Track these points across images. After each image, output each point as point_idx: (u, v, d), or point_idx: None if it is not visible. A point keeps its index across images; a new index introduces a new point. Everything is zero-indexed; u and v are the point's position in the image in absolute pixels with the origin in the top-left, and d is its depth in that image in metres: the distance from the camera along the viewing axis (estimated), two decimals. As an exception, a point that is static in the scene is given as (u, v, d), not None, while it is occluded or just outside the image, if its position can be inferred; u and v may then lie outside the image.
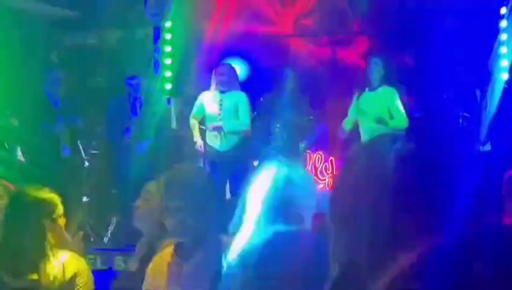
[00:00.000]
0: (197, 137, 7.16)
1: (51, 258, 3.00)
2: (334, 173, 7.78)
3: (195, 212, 2.65)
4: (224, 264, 2.53)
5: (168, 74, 8.29)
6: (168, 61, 8.31)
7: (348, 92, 7.08)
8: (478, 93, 6.12)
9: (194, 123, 7.23)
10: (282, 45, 9.48)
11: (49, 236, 3.02)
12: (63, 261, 3.03)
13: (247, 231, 2.36)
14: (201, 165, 7.14)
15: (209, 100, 7.09)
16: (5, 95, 7.34)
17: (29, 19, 8.78)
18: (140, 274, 2.94)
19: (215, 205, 2.75)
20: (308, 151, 7.87)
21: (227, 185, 7.02)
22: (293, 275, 2.09)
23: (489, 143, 6.06)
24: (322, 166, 8.10)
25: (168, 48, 8.36)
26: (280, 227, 2.31)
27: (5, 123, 7.44)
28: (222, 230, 2.68)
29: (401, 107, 6.77)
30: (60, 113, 7.54)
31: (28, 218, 3.02)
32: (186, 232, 2.67)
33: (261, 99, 7.55)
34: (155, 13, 8.28)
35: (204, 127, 7.28)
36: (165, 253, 2.78)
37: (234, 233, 2.52)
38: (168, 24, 8.40)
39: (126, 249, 6.19)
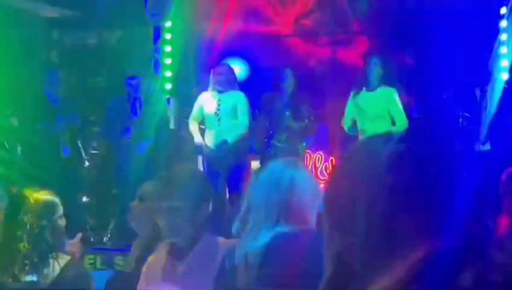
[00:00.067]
0: (198, 139, 7.15)
1: (50, 260, 2.99)
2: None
3: (189, 212, 2.64)
4: (226, 265, 2.52)
5: (168, 74, 8.29)
6: (168, 61, 8.31)
7: (348, 92, 7.07)
8: (478, 93, 6.12)
9: (194, 125, 7.22)
10: (282, 45, 9.48)
11: (49, 238, 3.01)
12: (62, 264, 3.02)
13: (250, 232, 2.35)
14: (200, 165, 7.14)
15: (208, 101, 7.09)
16: (5, 95, 7.34)
17: (29, 19, 8.77)
18: (135, 275, 2.94)
19: (210, 205, 2.75)
20: (308, 151, 7.87)
21: (226, 186, 7.02)
22: (295, 275, 2.08)
23: (488, 143, 6.06)
24: (322, 166, 8.11)
25: (168, 48, 8.36)
26: (283, 228, 2.30)
27: (5, 123, 7.44)
28: (219, 229, 2.67)
29: (401, 108, 6.77)
30: (60, 113, 7.54)
31: (28, 220, 3.01)
32: (180, 232, 2.67)
33: (261, 99, 7.55)
34: (155, 13, 8.28)
35: (203, 127, 7.27)
36: (160, 253, 2.78)
37: (236, 234, 2.51)
38: (168, 24, 8.40)
39: (126, 249, 6.19)
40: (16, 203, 3.11)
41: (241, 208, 2.51)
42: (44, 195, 3.10)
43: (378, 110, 6.67)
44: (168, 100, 8.18)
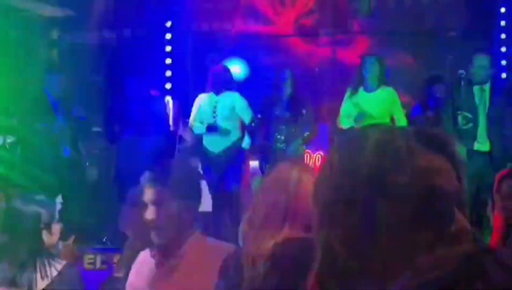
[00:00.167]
0: (193, 140, 7.16)
1: (46, 266, 2.98)
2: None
3: (177, 211, 2.64)
4: (229, 269, 2.49)
5: (168, 74, 8.30)
6: (168, 61, 8.32)
7: (348, 92, 7.07)
8: (477, 92, 6.11)
9: (196, 126, 7.22)
10: (282, 45, 9.49)
11: (44, 243, 3.01)
12: (59, 268, 3.01)
13: (257, 235, 2.32)
14: (194, 165, 7.13)
15: (205, 102, 7.09)
16: (5, 95, 7.34)
17: (29, 19, 8.78)
18: (127, 276, 2.94)
19: (198, 204, 2.74)
20: (308, 151, 7.87)
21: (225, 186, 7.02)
22: (300, 283, 2.06)
23: (487, 142, 6.05)
24: (322, 166, 8.10)
25: (168, 48, 8.37)
26: (290, 232, 2.27)
27: (5, 122, 7.44)
28: (217, 229, 2.67)
29: (401, 108, 6.78)
30: (60, 112, 7.54)
31: (24, 225, 3.01)
32: (169, 232, 2.66)
33: (261, 99, 7.55)
34: (155, 13, 8.29)
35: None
36: (148, 254, 2.78)
37: (243, 236, 2.49)
38: (168, 24, 8.41)
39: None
40: (13, 210, 3.10)
41: (248, 210, 2.49)
42: (40, 201, 3.09)
43: (380, 110, 6.67)
44: (168, 100, 8.19)
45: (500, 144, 5.99)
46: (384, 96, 6.72)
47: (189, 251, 2.66)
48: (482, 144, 6.03)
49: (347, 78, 7.58)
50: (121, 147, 7.60)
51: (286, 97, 7.06)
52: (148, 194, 2.67)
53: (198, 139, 7.20)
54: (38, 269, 2.94)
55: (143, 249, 2.86)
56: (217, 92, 7.03)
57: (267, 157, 6.94)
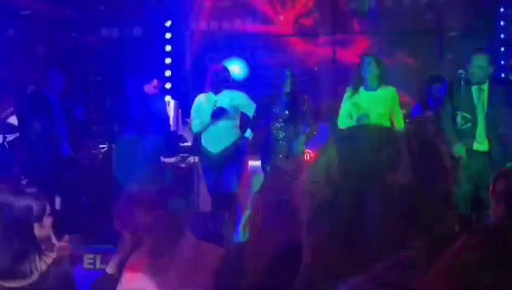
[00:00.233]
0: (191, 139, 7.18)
1: (36, 260, 2.98)
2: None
3: (167, 214, 2.65)
4: (224, 270, 2.50)
5: (168, 73, 8.31)
6: (168, 60, 8.33)
7: (347, 92, 7.07)
8: (475, 92, 6.11)
9: (197, 126, 7.22)
10: (282, 45, 9.49)
11: (36, 237, 3.01)
12: (48, 263, 3.02)
13: (255, 236, 2.33)
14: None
15: (204, 102, 7.10)
16: (4, 95, 7.35)
17: (29, 19, 8.79)
18: (119, 275, 2.94)
19: (190, 204, 2.77)
20: (308, 150, 7.88)
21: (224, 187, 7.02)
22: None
23: (486, 142, 6.05)
24: (321, 166, 8.10)
25: (168, 48, 8.38)
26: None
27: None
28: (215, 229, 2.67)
29: (399, 108, 6.79)
30: (60, 112, 7.54)
31: (17, 222, 3.01)
32: (161, 231, 2.67)
33: (261, 99, 7.56)
34: (155, 13, 8.30)
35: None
36: (140, 253, 2.79)
37: (243, 236, 2.49)
38: (168, 23, 8.42)
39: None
40: (4, 207, 3.10)
41: (248, 210, 2.50)
42: (32, 196, 3.09)
43: (382, 109, 6.68)
44: (168, 99, 8.19)
45: (499, 143, 5.99)
46: (385, 95, 6.72)
47: (181, 252, 2.67)
48: (481, 144, 6.04)
49: (346, 78, 7.59)
50: (121, 147, 7.60)
51: (285, 97, 7.06)
52: (141, 194, 2.69)
53: (198, 139, 7.21)
54: (29, 263, 2.94)
55: (136, 248, 2.86)
56: (216, 92, 7.04)
57: (267, 157, 6.94)
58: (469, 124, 6.04)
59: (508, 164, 5.74)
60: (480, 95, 6.06)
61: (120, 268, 2.98)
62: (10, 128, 7.84)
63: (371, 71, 6.71)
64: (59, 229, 3.22)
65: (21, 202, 3.04)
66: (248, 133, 7.11)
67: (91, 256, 6.38)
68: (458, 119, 6.06)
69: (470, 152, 6.03)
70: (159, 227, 2.65)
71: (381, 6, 9.27)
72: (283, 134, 6.98)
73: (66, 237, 3.32)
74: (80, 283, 3.38)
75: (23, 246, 2.97)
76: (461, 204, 5.82)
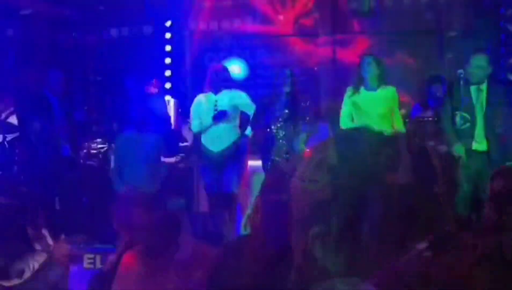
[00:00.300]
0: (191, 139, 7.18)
1: (29, 259, 2.98)
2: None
3: (164, 214, 2.66)
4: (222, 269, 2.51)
5: (168, 73, 8.31)
6: (168, 60, 8.34)
7: (347, 92, 7.07)
8: (474, 92, 6.12)
9: (197, 126, 7.23)
10: (282, 45, 9.49)
11: (31, 240, 3.02)
12: (41, 261, 3.02)
13: (256, 236, 2.33)
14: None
15: (204, 102, 7.10)
16: (5, 95, 7.36)
17: (29, 19, 8.79)
18: (114, 272, 2.95)
19: (186, 204, 2.78)
20: (308, 150, 7.87)
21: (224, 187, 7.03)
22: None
23: (485, 142, 6.07)
24: (321, 166, 8.10)
25: (168, 48, 8.38)
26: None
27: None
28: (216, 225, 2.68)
29: (398, 108, 6.80)
30: (60, 112, 7.55)
31: (12, 225, 3.01)
32: (157, 231, 2.68)
33: (261, 99, 7.57)
34: (155, 12, 8.31)
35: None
36: (134, 255, 2.79)
37: (244, 233, 2.51)
38: (168, 23, 8.42)
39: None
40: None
41: (249, 207, 2.51)
42: (26, 201, 3.09)
43: (383, 109, 6.68)
44: (168, 99, 8.20)
45: (498, 143, 6.01)
46: (385, 95, 6.73)
47: (177, 252, 2.68)
48: (480, 144, 6.05)
49: (346, 78, 7.59)
50: (120, 147, 7.60)
51: (285, 97, 7.06)
52: (140, 196, 2.70)
53: (198, 138, 7.21)
54: (22, 262, 2.94)
55: (133, 248, 2.87)
56: (216, 91, 7.05)
57: (267, 157, 6.94)
58: (468, 124, 6.05)
59: (507, 164, 5.75)
60: (478, 95, 6.07)
61: (116, 266, 2.99)
62: (10, 128, 7.84)
63: (371, 71, 6.71)
64: (58, 229, 3.23)
65: (14, 202, 3.04)
66: (248, 131, 7.11)
67: (91, 256, 6.39)
68: (457, 119, 6.07)
69: (469, 152, 6.04)
70: (156, 227, 2.66)
71: (381, 6, 9.27)
72: (283, 133, 6.99)
73: (63, 237, 3.33)
74: (80, 283, 3.38)
75: (16, 246, 2.97)
76: (460, 204, 5.83)
